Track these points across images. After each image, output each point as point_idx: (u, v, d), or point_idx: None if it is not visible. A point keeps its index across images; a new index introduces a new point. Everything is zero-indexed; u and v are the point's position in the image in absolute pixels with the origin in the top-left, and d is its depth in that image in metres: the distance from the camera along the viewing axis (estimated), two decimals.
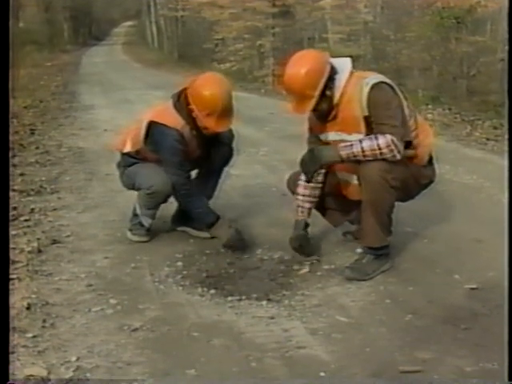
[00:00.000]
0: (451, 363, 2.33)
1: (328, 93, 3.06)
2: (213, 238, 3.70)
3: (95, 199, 4.67)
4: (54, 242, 3.73)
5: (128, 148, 3.67)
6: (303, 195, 3.39)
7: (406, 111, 3.10)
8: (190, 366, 2.36)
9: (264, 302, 2.90)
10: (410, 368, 2.30)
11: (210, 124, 3.43)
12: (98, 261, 3.45)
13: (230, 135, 3.77)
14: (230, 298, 2.96)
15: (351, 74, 3.09)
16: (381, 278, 3.12)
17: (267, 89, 13.72)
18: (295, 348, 2.47)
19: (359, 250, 3.31)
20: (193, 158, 3.61)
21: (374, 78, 3.07)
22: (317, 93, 3.02)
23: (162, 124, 3.47)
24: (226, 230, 3.52)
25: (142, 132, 3.54)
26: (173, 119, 3.49)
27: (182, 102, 3.50)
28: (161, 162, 3.53)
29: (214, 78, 3.52)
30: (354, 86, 3.05)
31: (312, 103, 3.04)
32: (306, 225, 3.41)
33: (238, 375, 2.30)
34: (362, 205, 3.09)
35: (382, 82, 3.04)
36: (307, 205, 3.39)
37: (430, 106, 9.17)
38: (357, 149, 2.98)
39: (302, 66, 3.04)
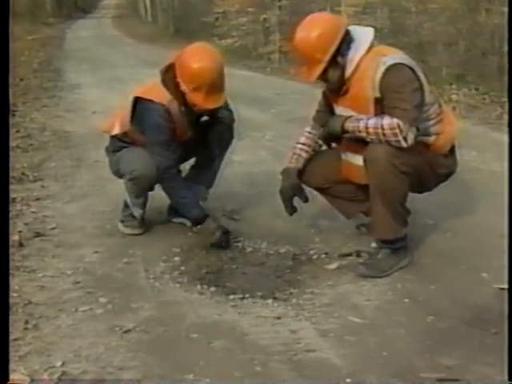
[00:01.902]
0: (478, 371, 2.33)
1: (340, 60, 3.08)
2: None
3: (83, 188, 4.68)
4: (38, 234, 3.75)
5: (116, 130, 3.68)
6: (303, 143, 3.48)
7: (428, 97, 3.11)
8: (189, 370, 2.37)
9: (269, 301, 2.92)
10: (434, 375, 2.31)
11: (198, 99, 3.42)
12: (87, 255, 3.47)
13: (230, 117, 3.76)
14: (232, 297, 2.98)
15: (370, 47, 3.10)
16: (398, 274, 3.13)
17: (273, 67, 13.68)
18: (304, 351, 2.49)
19: (374, 245, 3.32)
20: (183, 139, 3.60)
21: (394, 57, 3.06)
22: (327, 57, 3.05)
23: (147, 99, 3.48)
24: (214, 232, 3.52)
25: (128, 110, 3.55)
26: (159, 94, 3.49)
27: (169, 76, 3.50)
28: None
29: (203, 49, 3.52)
30: (370, 62, 3.05)
31: (320, 68, 3.07)
32: (299, 174, 3.45)
33: (240, 380, 2.32)
34: (370, 192, 3.11)
35: (401, 64, 3.04)
36: (304, 154, 3.46)
37: (454, 86, 9.11)
38: (363, 124, 3.02)
39: (314, 27, 3.08)
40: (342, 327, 2.67)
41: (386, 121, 2.96)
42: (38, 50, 17.23)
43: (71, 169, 5.24)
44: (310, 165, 3.46)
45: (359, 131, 3.04)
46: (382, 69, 3.00)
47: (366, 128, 3.01)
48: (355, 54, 3.08)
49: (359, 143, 3.11)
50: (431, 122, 3.15)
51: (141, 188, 3.64)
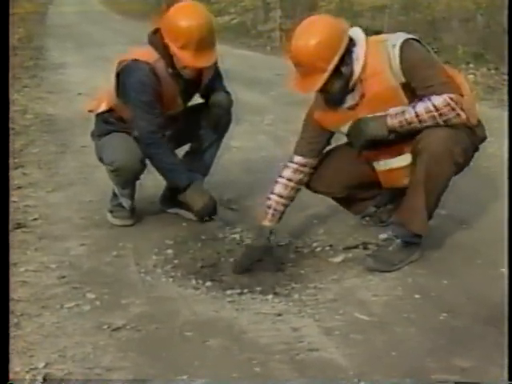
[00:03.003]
0: (496, 374, 2.32)
1: (344, 70, 2.98)
2: (207, 220, 3.76)
3: (68, 176, 4.69)
4: (19, 226, 3.76)
5: (103, 107, 3.68)
6: (280, 196, 3.28)
7: None
8: (183, 371, 2.38)
9: (270, 297, 2.93)
10: (447, 377, 2.32)
11: (187, 58, 3.41)
12: (73, 248, 3.48)
13: (227, 101, 3.75)
14: (229, 292, 2.99)
15: (366, 41, 3.05)
16: (409, 268, 3.15)
17: (273, 46, 13.65)
18: (306, 350, 2.50)
19: (383, 236, 3.33)
20: (172, 109, 3.59)
21: (398, 36, 3.04)
22: (330, 66, 2.93)
23: (131, 60, 3.48)
24: (200, 197, 3.58)
25: (113, 79, 3.55)
26: (144, 53, 3.50)
27: (157, 38, 3.50)
28: None
29: (189, 6, 3.51)
30: (377, 53, 3.00)
31: (323, 78, 2.94)
32: (271, 233, 3.28)
33: (238, 382, 2.33)
34: (414, 180, 3.04)
35: (409, 39, 3.02)
36: (281, 208, 3.29)
37: (471, 65, 9.06)
38: (410, 114, 2.94)
39: (314, 33, 2.94)
40: (348, 325, 2.68)
41: (436, 100, 2.91)
42: (17, 25, 17.14)
43: (55, 155, 5.25)
44: (327, 172, 3.35)
45: (409, 123, 2.96)
46: (396, 51, 2.96)
47: (417, 116, 2.93)
48: (359, 54, 3.01)
49: (393, 145, 3.07)
50: None
51: (122, 180, 3.65)
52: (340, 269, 3.19)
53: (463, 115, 2.95)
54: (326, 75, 2.94)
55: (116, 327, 2.68)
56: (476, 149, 3.24)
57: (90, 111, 3.82)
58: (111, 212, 3.80)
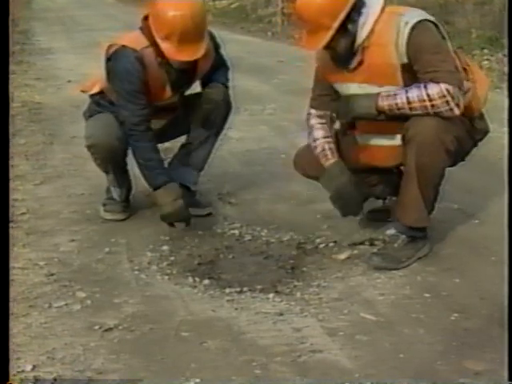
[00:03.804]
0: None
1: (350, 27, 3.05)
2: (205, 215, 3.77)
3: (58, 168, 4.69)
4: None
5: (95, 89, 3.69)
6: (324, 137, 3.34)
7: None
8: (179, 373, 2.38)
9: (270, 295, 2.94)
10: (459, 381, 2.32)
11: (169, 50, 3.39)
12: (62, 244, 3.49)
13: (219, 94, 3.72)
14: (227, 290, 3.00)
15: (382, 9, 3.08)
16: (418, 266, 3.16)
17: (275, 31, 13.65)
18: (309, 352, 2.50)
19: (390, 232, 3.34)
20: (161, 99, 3.59)
21: (415, 14, 3.06)
22: (336, 23, 3.00)
23: (119, 45, 3.49)
24: (171, 201, 3.45)
25: (103, 63, 3.55)
26: (133, 39, 3.50)
27: (147, 23, 3.50)
28: None
29: None
30: (387, 24, 3.03)
31: (328, 36, 3.02)
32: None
33: None
34: (405, 172, 3.11)
35: (426, 20, 3.04)
36: (333, 145, 3.33)
37: (486, 51, 9.03)
38: (401, 99, 2.98)
39: None
40: (353, 325, 2.69)
41: (433, 89, 2.93)
42: None
43: (44, 146, 5.24)
44: (309, 155, 3.41)
45: (398, 108, 2.99)
46: (406, 30, 2.98)
47: (409, 103, 2.97)
48: (368, 18, 3.06)
49: (382, 122, 3.10)
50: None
51: (101, 159, 3.65)
52: (345, 266, 3.20)
53: (456, 111, 2.97)
54: (331, 32, 3.01)
55: (108, 328, 2.69)
56: (475, 142, 3.27)
57: (83, 91, 3.83)
58: (104, 206, 3.82)
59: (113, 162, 3.67)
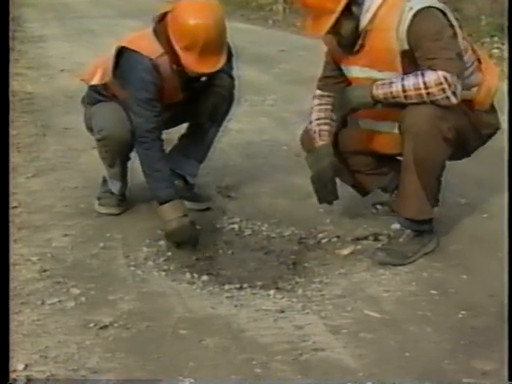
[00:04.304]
0: None
1: (354, 10, 3.08)
2: (203, 209, 3.78)
3: (50, 160, 4.69)
4: None
5: (96, 80, 3.69)
6: (318, 119, 3.45)
7: (461, 43, 3.12)
8: (177, 372, 2.39)
9: (271, 292, 2.95)
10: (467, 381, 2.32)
11: (189, 61, 3.39)
12: (55, 239, 3.49)
13: (227, 85, 3.74)
14: (227, 287, 3.01)
15: None
16: (424, 261, 3.16)
17: (276, 19, 13.63)
18: (311, 350, 2.51)
19: (395, 227, 3.34)
20: (172, 101, 3.61)
21: (421, 0, 3.06)
22: (339, 7, 3.04)
23: (133, 51, 3.48)
24: (177, 218, 3.35)
25: (111, 61, 3.55)
26: (148, 46, 3.48)
27: (163, 27, 3.49)
28: None
29: (201, 3, 3.46)
30: (391, 9, 3.06)
31: (332, 20, 3.06)
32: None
33: None
34: (403, 163, 3.13)
35: (431, 7, 3.05)
36: (326, 127, 3.43)
37: (496, 39, 8.99)
38: (396, 87, 3.01)
39: None
40: (357, 323, 2.69)
41: (429, 76, 2.95)
42: None
43: (36, 137, 5.24)
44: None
45: (394, 97, 3.03)
46: (408, 15, 3.00)
47: (404, 91, 2.99)
48: (372, 2, 3.09)
49: (383, 108, 3.12)
50: (469, 72, 3.16)
51: (112, 152, 3.65)
52: (348, 262, 3.20)
53: (453, 99, 2.98)
54: (334, 16, 3.05)
55: (103, 325, 2.69)
56: (482, 137, 3.28)
57: (83, 80, 3.82)
58: (99, 199, 3.81)
59: (123, 155, 3.68)
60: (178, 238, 3.36)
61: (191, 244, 3.38)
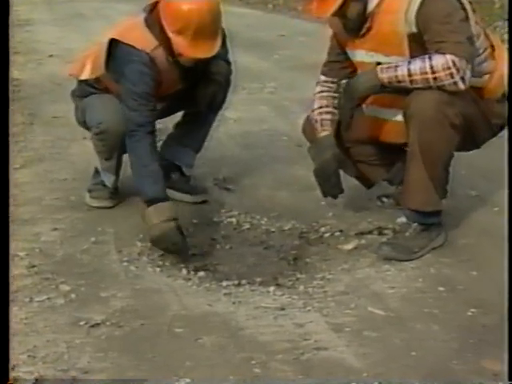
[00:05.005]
0: None
1: None
2: (200, 202, 3.80)
3: (39, 150, 4.68)
4: None
5: (86, 74, 3.69)
6: (320, 107, 3.46)
7: (474, 28, 3.12)
8: (172, 372, 2.40)
9: (271, 288, 2.96)
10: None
11: (181, 45, 3.39)
12: (44, 233, 3.50)
13: (227, 72, 3.76)
14: (225, 283, 3.02)
15: None
16: (431, 257, 3.17)
17: (276, 3, 13.59)
18: (313, 349, 2.52)
19: (401, 220, 3.35)
20: (169, 93, 3.63)
21: None
22: None
23: (126, 44, 3.48)
24: (161, 223, 3.24)
25: (103, 54, 3.55)
26: (141, 39, 3.48)
27: (155, 16, 3.49)
28: None
29: None
30: None
31: (338, 1, 3.07)
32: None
33: None
34: (409, 151, 3.13)
35: None
36: (328, 116, 3.44)
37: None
38: (402, 71, 3.02)
39: None
40: (361, 320, 2.71)
41: (437, 60, 2.96)
42: None
43: (23, 126, 5.23)
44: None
45: (399, 81, 3.03)
46: None
47: (410, 75, 3.00)
48: None
49: (390, 94, 3.13)
50: (481, 58, 3.16)
51: (110, 146, 3.65)
52: (351, 257, 3.22)
53: (461, 85, 2.98)
54: None
55: (94, 323, 2.70)
56: (492, 128, 3.28)
57: (71, 76, 3.82)
58: (90, 192, 3.82)
59: (121, 148, 3.66)
60: (162, 245, 3.25)
61: (176, 252, 3.26)
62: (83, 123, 3.80)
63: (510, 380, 2.23)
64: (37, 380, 2.37)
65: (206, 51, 3.43)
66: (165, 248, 3.26)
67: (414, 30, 3.05)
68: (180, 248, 3.25)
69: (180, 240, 3.26)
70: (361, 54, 3.25)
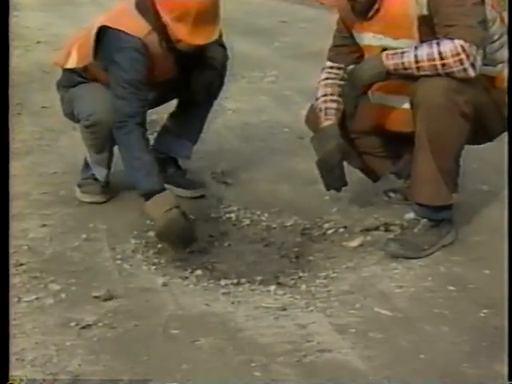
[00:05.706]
0: None
1: None
2: (197, 197, 3.80)
3: (26, 142, 4.68)
4: None
5: (73, 63, 3.68)
6: (324, 95, 3.46)
7: (489, 12, 3.11)
8: (168, 375, 2.41)
9: (272, 288, 2.97)
10: None
11: (182, 32, 3.39)
12: (32, 230, 3.50)
13: (223, 57, 3.77)
14: (223, 282, 3.02)
15: None
16: (441, 254, 3.17)
17: None
18: (316, 351, 2.53)
19: (410, 216, 3.35)
20: (162, 79, 3.62)
21: None
22: None
23: (117, 30, 3.48)
24: (164, 213, 3.24)
25: (92, 42, 3.55)
26: (133, 24, 3.47)
27: (147, 1, 3.48)
28: None
29: None
30: None
31: None
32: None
33: None
34: (416, 142, 3.12)
35: None
36: (333, 104, 3.43)
37: None
38: (408, 58, 3.01)
39: None
40: (366, 321, 2.71)
41: (445, 45, 2.95)
42: None
43: (10, 117, 5.23)
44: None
45: (405, 68, 3.03)
46: None
47: (417, 62, 3.00)
48: None
49: (401, 80, 3.13)
50: (496, 45, 3.16)
51: (102, 138, 3.65)
52: (357, 255, 3.22)
53: (471, 72, 2.97)
54: None
55: (86, 324, 2.70)
56: (504, 120, 3.25)
57: (56, 65, 3.82)
58: (80, 186, 3.81)
59: (113, 140, 3.63)
60: (170, 235, 3.25)
61: (186, 240, 3.29)
62: (71, 115, 3.79)
63: (510, 380, 2.25)
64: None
65: (206, 37, 3.44)
66: (174, 239, 3.26)
67: (425, 12, 3.04)
68: (190, 233, 3.29)
69: (188, 224, 3.30)
70: (368, 38, 3.25)
